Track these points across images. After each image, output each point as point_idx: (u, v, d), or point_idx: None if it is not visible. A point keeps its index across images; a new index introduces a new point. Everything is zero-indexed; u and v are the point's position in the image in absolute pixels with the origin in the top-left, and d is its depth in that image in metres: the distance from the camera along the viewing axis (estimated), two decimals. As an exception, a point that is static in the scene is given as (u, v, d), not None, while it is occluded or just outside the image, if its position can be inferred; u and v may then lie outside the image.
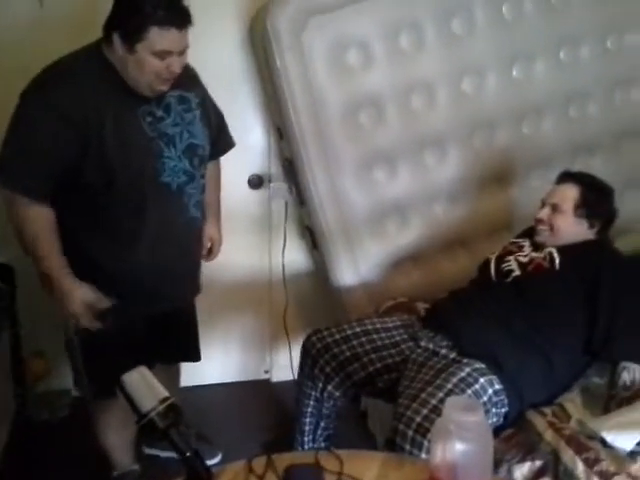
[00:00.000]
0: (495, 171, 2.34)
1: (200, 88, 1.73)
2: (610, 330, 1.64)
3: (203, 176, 1.71)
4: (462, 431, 1.08)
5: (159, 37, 1.43)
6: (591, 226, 1.83)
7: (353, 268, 2.17)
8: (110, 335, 1.61)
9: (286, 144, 2.16)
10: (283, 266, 2.45)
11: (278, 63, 1.97)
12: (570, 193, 1.83)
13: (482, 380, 1.54)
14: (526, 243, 1.90)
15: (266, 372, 2.71)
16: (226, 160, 2.27)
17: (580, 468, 1.36)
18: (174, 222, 1.66)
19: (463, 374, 1.54)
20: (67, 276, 1.56)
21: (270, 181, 2.41)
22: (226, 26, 2.23)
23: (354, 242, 2.16)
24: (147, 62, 1.46)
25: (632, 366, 1.63)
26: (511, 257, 1.85)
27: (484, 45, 2.20)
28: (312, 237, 2.25)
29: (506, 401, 1.56)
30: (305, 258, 2.53)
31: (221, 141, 1.84)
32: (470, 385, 1.52)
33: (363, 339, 1.79)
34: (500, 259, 1.87)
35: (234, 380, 2.65)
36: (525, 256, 1.83)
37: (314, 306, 2.54)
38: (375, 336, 1.80)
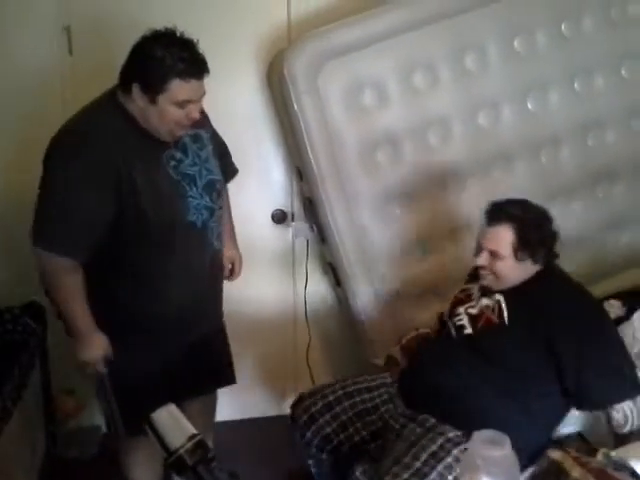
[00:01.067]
0: (514, 202, 2.35)
1: (208, 122, 1.76)
2: (580, 382, 1.57)
3: (221, 207, 1.75)
4: (489, 465, 1.08)
5: (180, 88, 1.46)
6: (535, 261, 1.69)
7: (375, 302, 2.18)
8: (142, 372, 1.64)
9: (306, 184, 2.21)
10: (305, 304, 2.48)
11: (295, 106, 2.02)
12: (505, 236, 1.65)
13: (455, 452, 1.50)
14: (475, 289, 1.81)
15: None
16: (250, 195, 2.33)
17: (609, 501, 1.34)
18: (200, 258, 1.70)
19: (434, 447, 1.50)
20: (92, 327, 1.61)
21: (293, 219, 2.45)
22: (245, 71, 2.30)
23: (375, 277, 2.18)
24: (168, 112, 1.49)
25: (618, 405, 1.58)
26: (462, 309, 1.78)
27: (498, 79, 2.24)
28: (334, 274, 2.28)
29: None
30: (328, 294, 2.54)
31: (227, 169, 1.87)
32: (441, 460, 1.48)
33: (346, 404, 1.76)
34: (453, 311, 1.81)
35: (257, 415, 2.65)
36: (473, 307, 1.76)
37: (337, 342, 2.56)
38: (358, 399, 1.77)
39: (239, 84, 2.32)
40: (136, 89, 1.48)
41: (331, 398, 1.78)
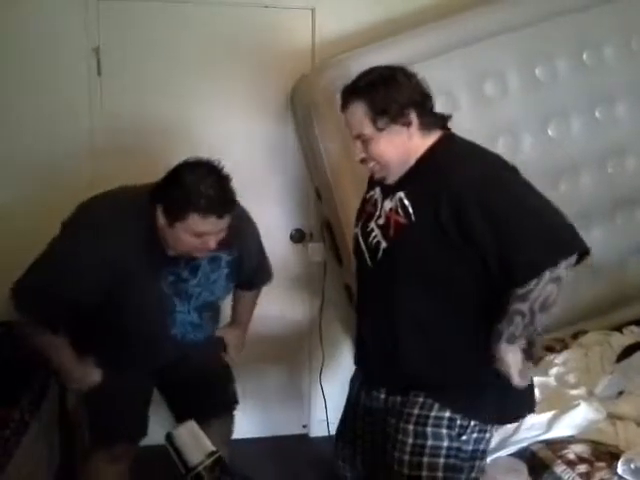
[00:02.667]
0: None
1: (238, 242, 1.70)
2: (506, 260, 1.32)
3: (213, 323, 1.81)
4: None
5: (198, 222, 1.46)
6: (406, 124, 1.41)
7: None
8: (117, 392, 1.70)
9: (324, 205, 2.23)
10: (320, 324, 2.49)
11: (316, 130, 2.05)
12: (358, 111, 1.43)
13: (432, 414, 1.42)
14: (377, 193, 1.56)
15: (304, 427, 2.71)
16: (269, 213, 2.35)
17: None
18: (169, 354, 1.73)
19: (406, 457, 1.42)
20: (76, 364, 1.68)
21: (310, 240, 2.47)
22: (269, 95, 2.35)
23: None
24: (183, 239, 1.50)
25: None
26: (372, 223, 1.51)
27: (518, 106, 2.26)
28: (349, 294, 2.29)
29: (467, 422, 1.41)
30: (343, 315, 2.54)
31: (258, 278, 1.92)
32: (425, 431, 1.42)
33: (352, 425, 1.64)
34: (365, 230, 1.54)
35: (272, 434, 2.65)
36: (380, 217, 1.49)
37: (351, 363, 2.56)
38: (359, 413, 1.62)
39: (263, 104, 2.36)
40: (159, 209, 1.50)
41: (347, 428, 1.67)
